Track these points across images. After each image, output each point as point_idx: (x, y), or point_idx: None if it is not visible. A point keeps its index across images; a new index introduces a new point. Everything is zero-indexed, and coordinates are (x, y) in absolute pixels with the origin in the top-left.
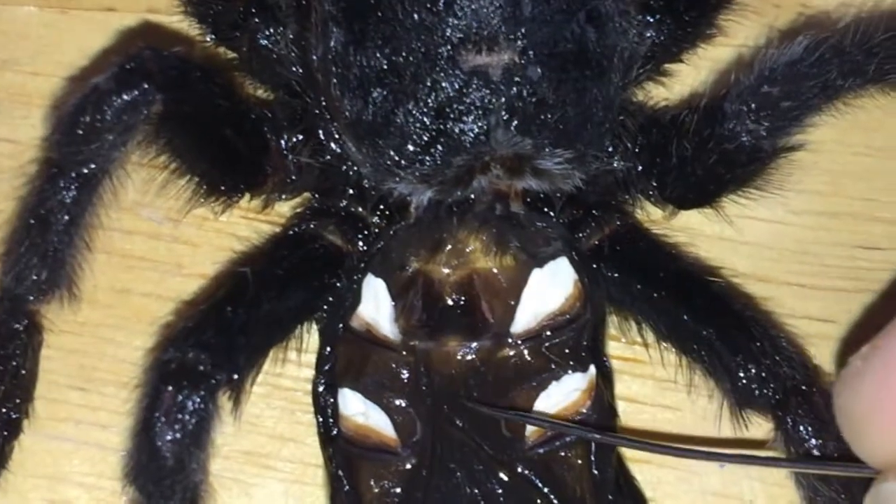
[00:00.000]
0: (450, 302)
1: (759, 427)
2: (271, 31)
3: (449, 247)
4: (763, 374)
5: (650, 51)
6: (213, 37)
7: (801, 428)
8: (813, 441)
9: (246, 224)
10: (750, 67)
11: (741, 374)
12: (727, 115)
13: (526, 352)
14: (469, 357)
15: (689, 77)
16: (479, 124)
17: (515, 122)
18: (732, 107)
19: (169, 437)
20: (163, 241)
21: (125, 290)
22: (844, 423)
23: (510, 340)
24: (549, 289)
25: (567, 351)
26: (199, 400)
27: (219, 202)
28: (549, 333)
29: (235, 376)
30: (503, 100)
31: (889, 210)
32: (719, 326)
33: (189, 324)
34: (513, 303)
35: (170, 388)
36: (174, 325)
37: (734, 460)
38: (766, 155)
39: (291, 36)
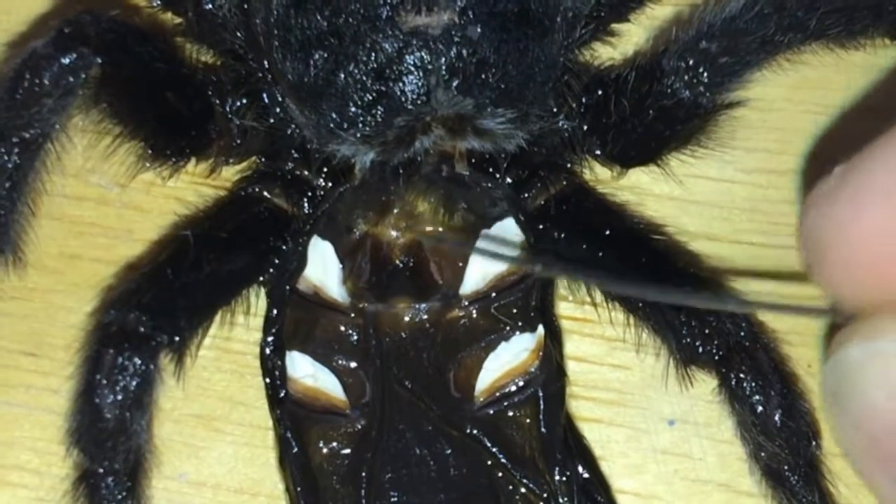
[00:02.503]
0: (398, 264)
1: (705, 384)
2: None
3: (396, 209)
4: (706, 331)
5: (595, 10)
6: (158, 2)
7: (745, 384)
8: (756, 397)
9: (194, 190)
10: (689, 24)
11: (685, 332)
12: (665, 71)
13: (475, 313)
14: (418, 319)
15: (636, 37)
16: (420, 85)
17: (456, 83)
18: (670, 63)
19: (110, 400)
20: (112, 207)
21: (75, 256)
22: (810, 250)
23: (459, 302)
24: (497, 249)
25: (516, 311)
26: (140, 362)
27: (165, 167)
28: (497, 294)
29: (177, 338)
30: (443, 60)
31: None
32: (664, 284)
33: (130, 286)
34: (461, 264)
35: (110, 350)
36: (116, 288)
37: (691, 301)
38: (706, 111)
39: (235, 0)
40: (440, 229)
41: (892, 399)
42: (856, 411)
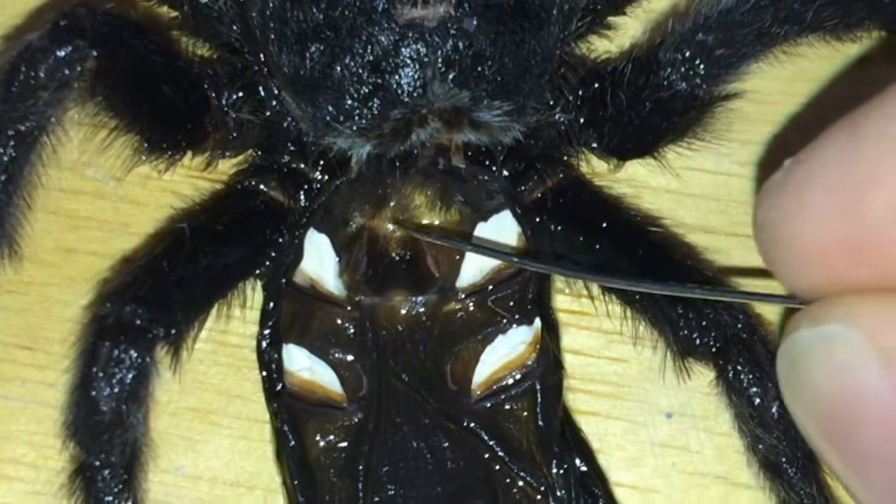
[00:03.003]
0: (395, 257)
1: (703, 376)
2: None
3: (393, 202)
4: (703, 323)
5: (591, 3)
6: None
7: (742, 376)
8: (753, 388)
9: (190, 183)
10: (685, 16)
11: (682, 324)
12: (662, 63)
13: (472, 306)
14: (415, 312)
15: (632, 30)
16: (416, 77)
17: (452, 75)
18: (667, 55)
19: (106, 392)
20: (108, 200)
21: (71, 250)
22: (764, 240)
23: (456, 295)
24: (494, 242)
25: (513, 304)
26: (136, 354)
27: (161, 160)
28: (494, 287)
29: (173, 331)
30: (439, 52)
31: None
32: (660, 276)
33: (126, 279)
34: (458, 257)
35: (107, 343)
36: (112, 281)
37: (662, 289)
38: (702, 103)
39: None
40: (437, 222)
41: (835, 379)
42: (804, 391)
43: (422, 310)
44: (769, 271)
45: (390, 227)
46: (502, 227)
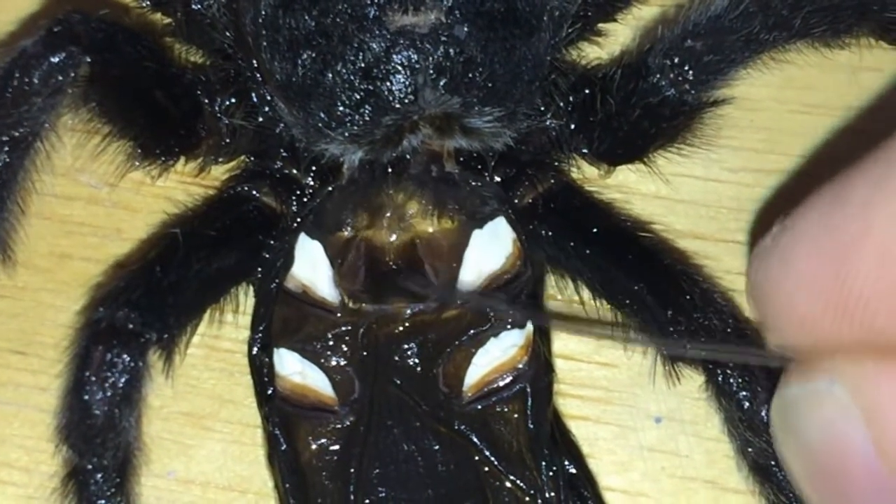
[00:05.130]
0: (394, 266)
1: (692, 381)
2: None
3: (389, 212)
4: (693, 327)
5: (582, 9)
6: (147, 2)
7: (731, 380)
8: (743, 393)
9: (183, 189)
10: (675, 22)
11: (671, 328)
12: (651, 69)
13: (469, 312)
14: (412, 319)
15: (622, 36)
16: (407, 84)
17: (443, 82)
18: (656, 61)
19: (99, 396)
20: (102, 206)
21: (65, 255)
22: (756, 302)
23: (455, 301)
24: (490, 249)
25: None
26: (129, 359)
27: (154, 166)
28: (491, 293)
29: (166, 335)
30: (430, 59)
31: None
32: (650, 281)
33: (119, 284)
34: (455, 264)
35: (100, 347)
36: (105, 286)
37: (655, 344)
38: (691, 109)
39: (223, 0)
40: (432, 230)
41: (822, 434)
42: (794, 443)
43: (420, 317)
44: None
45: (387, 236)
46: (497, 234)
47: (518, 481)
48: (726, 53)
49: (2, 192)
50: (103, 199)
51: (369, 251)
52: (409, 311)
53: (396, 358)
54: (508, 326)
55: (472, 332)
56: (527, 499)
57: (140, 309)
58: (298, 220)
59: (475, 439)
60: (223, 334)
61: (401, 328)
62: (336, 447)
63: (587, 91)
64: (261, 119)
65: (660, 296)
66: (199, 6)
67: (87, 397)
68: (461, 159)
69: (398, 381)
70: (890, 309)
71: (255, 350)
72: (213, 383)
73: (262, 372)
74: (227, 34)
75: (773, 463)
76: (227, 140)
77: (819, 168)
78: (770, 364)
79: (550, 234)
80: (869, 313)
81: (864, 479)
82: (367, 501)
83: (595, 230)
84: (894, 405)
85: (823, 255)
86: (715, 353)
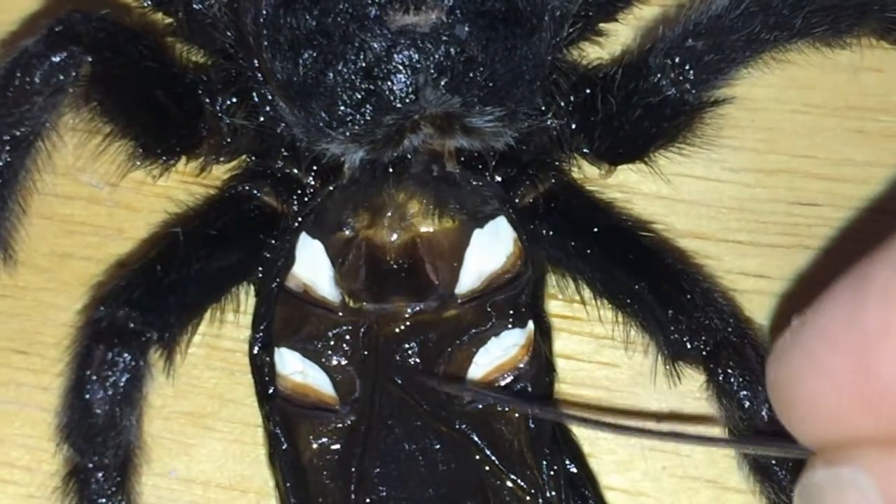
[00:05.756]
0: (394, 266)
1: (693, 380)
2: None
3: (390, 212)
4: (694, 327)
5: (583, 9)
6: (148, 2)
7: (732, 380)
8: (744, 392)
9: (184, 188)
10: (675, 22)
11: (672, 327)
12: (652, 69)
13: (470, 311)
14: (414, 318)
15: (623, 36)
16: (408, 83)
17: (444, 81)
18: (657, 61)
19: (100, 395)
20: (103, 205)
21: (66, 255)
22: (775, 399)
23: (455, 301)
24: (491, 248)
25: (507, 308)
26: (129, 357)
27: (156, 165)
28: (492, 292)
29: (167, 335)
30: (431, 59)
31: (825, 167)
32: (651, 280)
33: (120, 283)
34: (456, 264)
35: (101, 346)
36: (106, 285)
37: (672, 438)
38: (692, 108)
39: (225, 0)
40: (432, 229)
41: None
42: None
43: (421, 316)
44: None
45: (388, 235)
46: (498, 234)
47: (519, 480)
48: (727, 53)
49: (3, 191)
50: (104, 198)
51: (370, 250)
52: (409, 311)
53: (397, 357)
54: (509, 326)
55: (473, 331)
56: (528, 498)
57: (141, 308)
58: (299, 219)
59: (476, 438)
60: (224, 333)
61: (402, 327)
62: (337, 446)
63: (588, 91)
64: (262, 119)
65: (661, 295)
66: (200, 6)
67: (88, 396)
68: (462, 159)
69: (399, 381)
70: None
71: (256, 349)
72: (214, 382)
73: (263, 371)
74: (229, 34)
75: (773, 462)
76: (229, 139)
77: (820, 169)
78: (796, 456)
79: (551, 233)
80: (893, 407)
81: None
82: (367, 500)
83: (596, 230)
84: None
85: (846, 348)
86: (737, 445)
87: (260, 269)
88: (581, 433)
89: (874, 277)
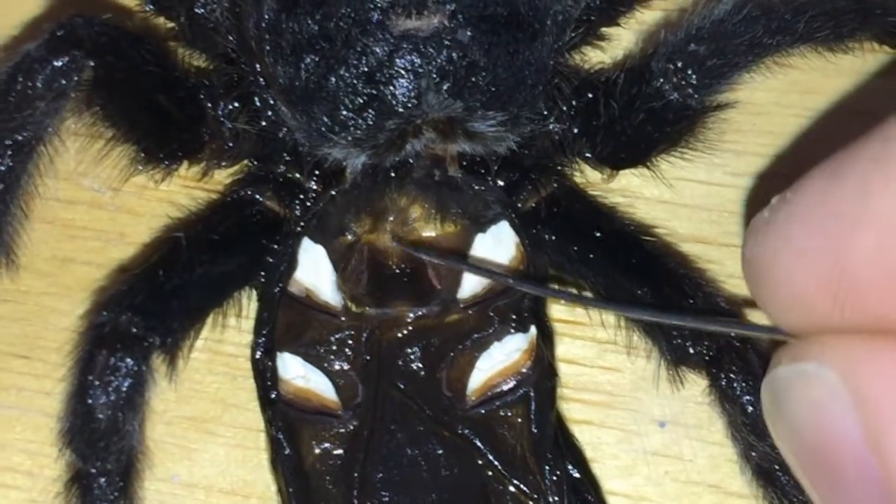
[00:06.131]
0: (396, 270)
1: (696, 385)
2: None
3: (391, 216)
4: (697, 332)
5: (585, 14)
6: (150, 6)
7: (735, 385)
8: (746, 397)
9: (186, 193)
10: (678, 26)
11: (675, 333)
12: (654, 73)
13: (471, 315)
14: (416, 323)
15: (625, 41)
16: (410, 88)
17: (446, 86)
18: (659, 65)
19: (103, 400)
20: (105, 210)
21: (68, 259)
22: (750, 277)
23: (457, 306)
24: (494, 253)
25: (510, 313)
26: (132, 362)
27: (157, 170)
28: (494, 297)
29: (169, 339)
30: (433, 63)
31: None
32: (653, 285)
33: (123, 288)
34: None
35: (103, 351)
36: (108, 290)
37: (647, 315)
38: (694, 113)
39: (226, 4)
40: (435, 234)
41: (811, 417)
42: (783, 425)
43: (423, 321)
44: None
45: (390, 240)
46: (501, 238)
47: (522, 485)
48: (729, 57)
49: (5, 195)
50: (106, 203)
51: (372, 255)
52: (411, 315)
53: (400, 362)
54: (512, 330)
55: (475, 336)
56: (530, 503)
57: (143, 313)
58: (302, 224)
59: (479, 443)
60: (226, 338)
61: (404, 332)
62: (339, 451)
63: (590, 95)
64: (264, 123)
65: (663, 299)
66: (202, 10)
67: (90, 401)
68: (464, 163)
69: (401, 386)
70: (885, 292)
71: (258, 354)
72: (217, 387)
73: (265, 376)
74: (230, 38)
75: (776, 467)
76: (231, 144)
77: None
78: (763, 337)
79: (554, 237)
80: (863, 295)
81: (851, 463)
82: None
83: (598, 234)
84: (883, 390)
85: (820, 232)
86: (709, 324)
87: (262, 273)
88: (584, 439)
89: (853, 165)
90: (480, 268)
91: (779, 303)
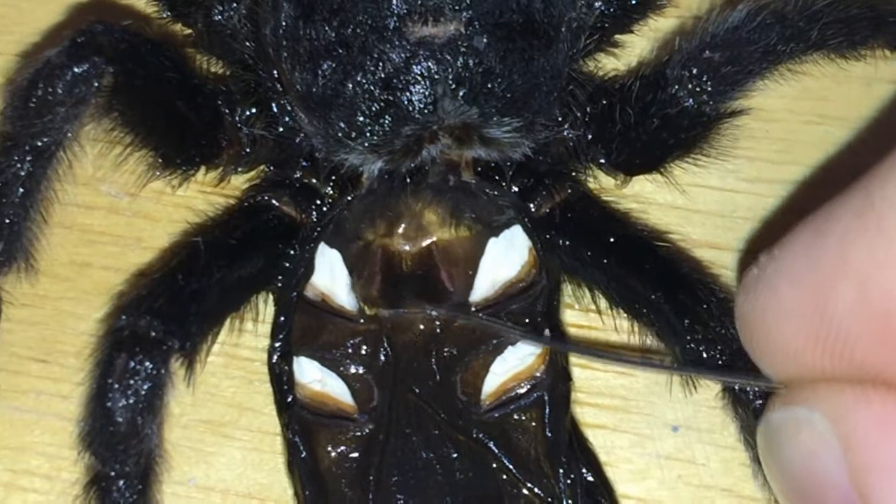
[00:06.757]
0: (410, 273)
1: (709, 389)
2: (224, 6)
3: (407, 221)
4: (710, 337)
5: (600, 21)
6: (168, 13)
7: (748, 389)
8: (759, 402)
9: (203, 198)
10: (692, 34)
11: (688, 337)
12: (669, 80)
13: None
14: (429, 325)
15: (640, 48)
16: (427, 94)
17: (462, 92)
18: (674, 72)
19: (122, 403)
20: (122, 215)
21: (85, 264)
22: (743, 332)
23: (469, 308)
24: (506, 257)
25: (523, 317)
26: (151, 366)
27: (175, 175)
28: (506, 301)
29: (188, 343)
30: (449, 70)
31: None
32: (667, 290)
33: (142, 292)
34: (471, 272)
35: (123, 354)
36: (127, 294)
37: (654, 368)
38: (709, 119)
39: (244, 11)
40: (450, 239)
41: (801, 459)
42: (776, 466)
43: (436, 323)
44: None
45: (404, 243)
46: (514, 243)
47: (536, 489)
48: (744, 65)
49: (25, 200)
50: (124, 208)
51: (386, 257)
52: (424, 317)
53: (415, 366)
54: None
55: (490, 340)
56: None
57: (162, 317)
58: (318, 229)
59: (493, 447)
60: (243, 342)
61: (419, 336)
62: (355, 455)
63: (605, 102)
64: (281, 129)
65: (677, 305)
66: (219, 17)
67: (110, 404)
68: (479, 169)
69: (417, 390)
70: (869, 342)
71: (274, 358)
72: (233, 391)
73: (281, 380)
74: (248, 45)
75: None
76: (248, 150)
77: (834, 179)
78: (758, 388)
79: (568, 243)
80: (849, 346)
81: None
82: None
83: (612, 240)
84: (870, 436)
85: (806, 287)
86: (705, 374)
87: (279, 278)
88: (598, 443)
89: (835, 220)
90: (504, 325)
91: (771, 356)
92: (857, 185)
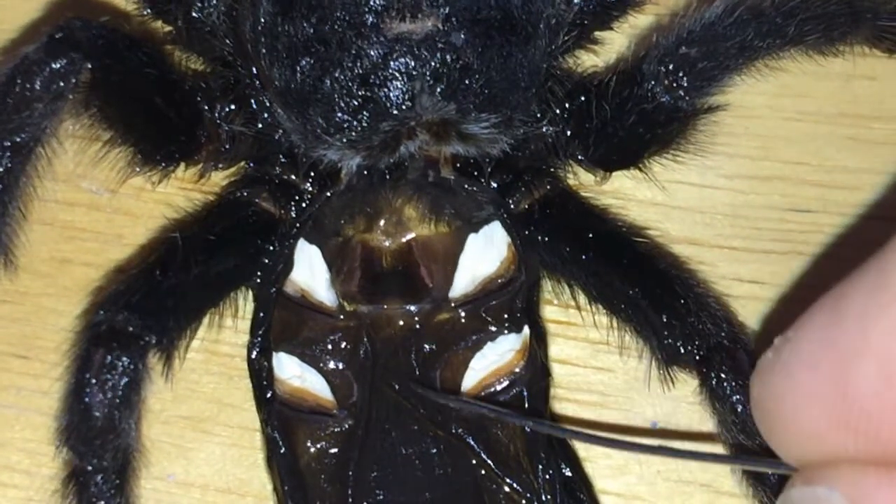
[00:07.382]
0: (389, 268)
1: (687, 385)
2: (203, 3)
3: (386, 217)
4: (687, 332)
5: (578, 18)
6: (148, 10)
7: (725, 384)
8: (736, 396)
9: (183, 195)
10: (669, 30)
11: (666, 332)
12: (645, 75)
13: (464, 315)
14: (408, 321)
15: (619, 45)
16: (404, 90)
17: (440, 88)
18: (650, 68)
19: (99, 398)
20: (102, 212)
21: (66, 260)
22: (758, 416)
23: (449, 304)
24: (485, 253)
25: (502, 313)
26: (128, 361)
27: (155, 172)
28: (486, 296)
29: (165, 339)
30: (427, 66)
31: (819, 173)
32: (645, 286)
33: (119, 288)
34: (451, 268)
35: (100, 349)
36: (105, 290)
37: (661, 453)
38: (686, 115)
39: (223, 8)
40: (430, 235)
41: None
42: None
43: (415, 319)
44: None
45: (383, 239)
46: (493, 239)
47: (515, 485)
48: (720, 60)
49: (3, 197)
50: (104, 204)
51: (365, 253)
52: (403, 313)
53: (394, 362)
54: (505, 331)
55: (469, 336)
56: (523, 502)
57: (140, 312)
58: (297, 225)
59: (472, 443)
60: (223, 338)
61: (398, 332)
62: (334, 450)
63: (583, 98)
64: (260, 125)
65: (655, 300)
66: (199, 14)
67: (87, 399)
68: (458, 165)
69: (396, 385)
70: (893, 422)
71: (254, 354)
72: (213, 387)
73: (261, 376)
74: (227, 41)
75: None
76: (227, 146)
77: (813, 175)
78: (780, 472)
79: (547, 239)
80: (873, 427)
81: None
82: None
83: (591, 236)
84: None
85: (824, 369)
86: (723, 461)
87: (258, 274)
88: None
89: (851, 299)
90: (496, 409)
91: (790, 441)
92: (870, 262)
